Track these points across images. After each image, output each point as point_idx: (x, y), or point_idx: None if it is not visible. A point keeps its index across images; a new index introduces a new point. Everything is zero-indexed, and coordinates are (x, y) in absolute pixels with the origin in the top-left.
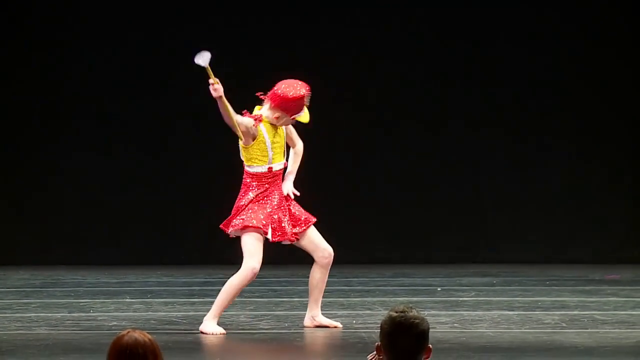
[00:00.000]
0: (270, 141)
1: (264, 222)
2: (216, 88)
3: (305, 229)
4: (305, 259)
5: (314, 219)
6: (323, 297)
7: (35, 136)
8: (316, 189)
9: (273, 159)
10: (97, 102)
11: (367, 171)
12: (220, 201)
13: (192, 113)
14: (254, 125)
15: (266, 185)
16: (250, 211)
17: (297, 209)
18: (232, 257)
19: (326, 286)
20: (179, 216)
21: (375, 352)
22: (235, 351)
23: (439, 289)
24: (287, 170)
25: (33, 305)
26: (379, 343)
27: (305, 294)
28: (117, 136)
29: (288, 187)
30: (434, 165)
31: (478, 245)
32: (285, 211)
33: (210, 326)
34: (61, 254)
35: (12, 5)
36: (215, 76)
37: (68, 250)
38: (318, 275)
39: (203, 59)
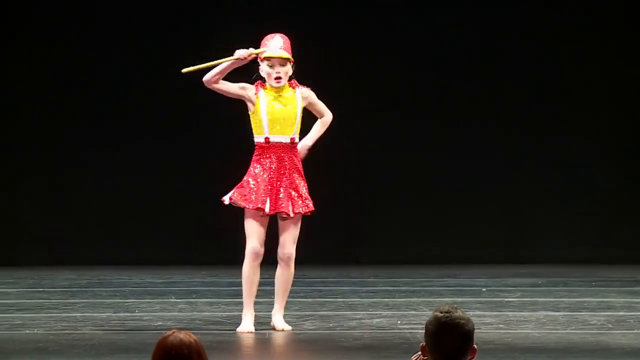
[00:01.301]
0: (266, 111)
1: (262, 197)
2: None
3: (284, 219)
4: (351, 260)
5: (302, 213)
6: (367, 296)
7: (78, 134)
8: (362, 188)
9: (270, 129)
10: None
11: (412, 171)
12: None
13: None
14: (254, 93)
15: (269, 158)
16: (248, 188)
17: (296, 193)
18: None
19: (371, 287)
20: (223, 215)
21: (420, 353)
22: (279, 351)
23: (484, 289)
24: (307, 135)
25: (79, 305)
26: (424, 343)
27: (350, 294)
28: (155, 132)
29: (300, 145)
30: (481, 165)
31: (523, 245)
32: (285, 186)
33: (241, 325)
34: (106, 254)
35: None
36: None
37: (113, 250)
38: (277, 273)
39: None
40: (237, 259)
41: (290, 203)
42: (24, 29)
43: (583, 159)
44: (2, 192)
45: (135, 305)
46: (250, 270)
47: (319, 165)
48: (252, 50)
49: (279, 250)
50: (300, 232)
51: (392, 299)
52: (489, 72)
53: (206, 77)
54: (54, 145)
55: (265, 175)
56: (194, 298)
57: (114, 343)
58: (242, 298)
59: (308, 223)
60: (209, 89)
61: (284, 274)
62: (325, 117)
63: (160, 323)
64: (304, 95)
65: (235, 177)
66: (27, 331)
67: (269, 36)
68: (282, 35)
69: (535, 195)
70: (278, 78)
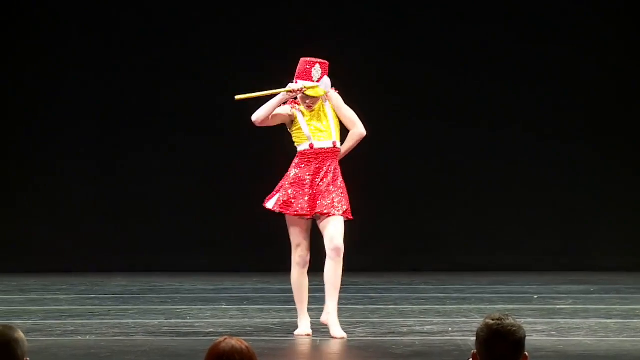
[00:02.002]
0: (306, 122)
1: (301, 203)
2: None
3: (326, 217)
4: (402, 267)
5: (342, 214)
6: (418, 303)
7: (125, 135)
8: (414, 195)
9: (314, 136)
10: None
11: (464, 178)
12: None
13: None
14: (290, 111)
15: (312, 163)
16: (285, 193)
17: (335, 196)
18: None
19: (422, 293)
20: (274, 222)
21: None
22: (331, 358)
23: (535, 296)
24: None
25: (131, 311)
26: (475, 351)
27: (401, 301)
28: (204, 139)
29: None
30: (534, 172)
31: (575, 252)
32: (327, 189)
33: (299, 329)
34: (156, 260)
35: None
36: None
37: (164, 256)
38: (326, 268)
39: (325, 84)
40: (287, 266)
41: (332, 203)
42: (36, 29)
43: (638, 166)
44: (56, 199)
45: (187, 311)
46: (299, 277)
47: (371, 173)
48: (303, 83)
49: (327, 245)
50: (351, 240)
51: (443, 306)
52: (538, 79)
53: (256, 118)
54: (103, 150)
55: (305, 178)
56: (245, 305)
57: (166, 349)
58: (294, 304)
59: (359, 230)
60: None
61: (335, 268)
62: (354, 130)
63: (211, 329)
64: (333, 100)
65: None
66: (80, 337)
67: (309, 62)
68: (322, 64)
69: (588, 202)
70: (309, 106)
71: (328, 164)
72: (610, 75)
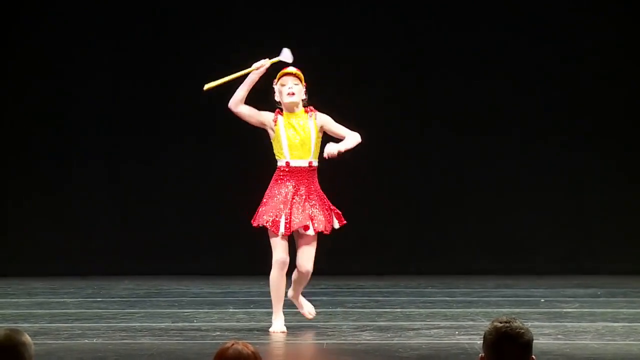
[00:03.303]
0: (285, 136)
1: (278, 219)
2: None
3: (299, 236)
4: (409, 270)
5: (315, 233)
6: (425, 307)
7: (135, 142)
8: (419, 199)
9: (290, 154)
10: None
11: (470, 182)
12: None
13: None
14: (271, 121)
15: (289, 180)
16: (266, 207)
17: (316, 212)
18: (336, 267)
19: (428, 297)
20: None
21: None
22: None
23: (542, 300)
24: (342, 142)
25: (137, 315)
26: (482, 354)
27: (408, 304)
28: (209, 142)
29: (332, 146)
30: (540, 176)
31: (582, 256)
32: (300, 207)
33: (273, 326)
34: (163, 263)
35: (25, 7)
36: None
37: (171, 260)
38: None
39: (285, 55)
40: (293, 270)
41: (310, 221)
42: (49, 36)
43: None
44: (64, 203)
45: (194, 315)
46: (278, 278)
47: (377, 177)
48: (267, 60)
49: (298, 267)
50: (357, 243)
51: (449, 310)
52: (540, 85)
53: (232, 102)
54: (111, 154)
55: (282, 196)
56: (252, 308)
57: (172, 353)
58: (296, 308)
59: (365, 234)
60: (233, 112)
61: (297, 284)
62: (353, 136)
63: (218, 333)
64: (319, 121)
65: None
66: (86, 341)
67: (284, 69)
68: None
69: (595, 206)
70: (291, 93)
71: (304, 182)
72: (615, 79)
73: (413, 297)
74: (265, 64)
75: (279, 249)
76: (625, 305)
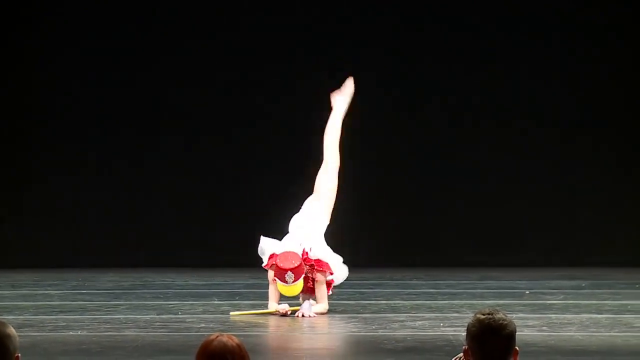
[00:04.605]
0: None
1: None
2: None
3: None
4: (394, 262)
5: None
6: (410, 299)
7: (123, 136)
8: (403, 191)
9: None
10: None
11: (452, 174)
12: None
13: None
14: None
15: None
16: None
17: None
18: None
19: (413, 289)
20: (265, 218)
21: (461, 355)
22: (322, 352)
23: (527, 292)
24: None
25: (122, 307)
26: (466, 346)
27: (393, 296)
28: (165, 134)
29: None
30: (524, 168)
31: (566, 248)
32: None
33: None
34: (147, 256)
35: (20, 7)
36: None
37: (156, 252)
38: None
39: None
40: None
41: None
42: (46, 35)
43: (627, 165)
44: (48, 196)
45: (179, 307)
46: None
47: (362, 170)
48: (287, 306)
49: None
50: (343, 236)
51: (434, 302)
52: (533, 78)
53: None
54: (96, 149)
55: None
56: (237, 300)
57: (157, 345)
58: (286, 300)
59: (352, 226)
60: None
61: None
62: (321, 305)
63: (203, 325)
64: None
65: (275, 183)
66: (71, 333)
67: (282, 269)
68: (294, 269)
69: (579, 198)
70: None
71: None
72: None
73: (398, 289)
74: (285, 310)
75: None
76: (610, 297)
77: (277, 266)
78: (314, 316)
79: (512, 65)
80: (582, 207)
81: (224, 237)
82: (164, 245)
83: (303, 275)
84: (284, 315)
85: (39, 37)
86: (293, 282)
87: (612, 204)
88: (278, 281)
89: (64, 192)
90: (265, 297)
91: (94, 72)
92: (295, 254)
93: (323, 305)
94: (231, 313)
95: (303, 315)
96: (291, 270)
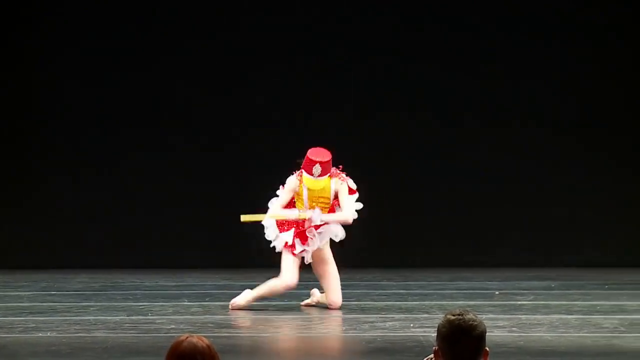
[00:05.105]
0: (307, 195)
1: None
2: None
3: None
4: (365, 263)
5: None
6: (380, 299)
7: (93, 135)
8: (379, 192)
9: (309, 206)
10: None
11: (427, 175)
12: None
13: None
14: (298, 184)
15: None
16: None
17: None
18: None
19: (384, 290)
20: (237, 220)
21: (432, 356)
22: (292, 353)
23: (497, 292)
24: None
25: (92, 308)
26: (436, 347)
27: (363, 297)
28: (167, 136)
29: (316, 214)
30: (492, 169)
31: (536, 248)
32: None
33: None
34: (118, 257)
35: (20, 7)
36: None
37: (125, 253)
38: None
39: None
40: (249, 263)
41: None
42: (43, 34)
43: (599, 166)
44: (19, 197)
45: (149, 308)
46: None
47: (360, 170)
48: (297, 212)
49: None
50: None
51: (404, 302)
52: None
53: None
54: (73, 148)
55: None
56: (207, 301)
57: (127, 346)
58: (258, 302)
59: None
60: None
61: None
62: (345, 214)
63: (173, 326)
64: (336, 186)
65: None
66: (41, 334)
67: (312, 161)
68: (322, 163)
69: (549, 200)
70: (318, 175)
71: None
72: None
73: (368, 290)
74: (296, 217)
75: (289, 272)
76: (579, 298)
77: (308, 157)
78: (322, 223)
79: (512, 65)
80: (552, 208)
81: (195, 238)
82: (134, 246)
83: (328, 175)
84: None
85: (39, 37)
86: (319, 176)
87: (581, 204)
88: (305, 174)
89: (64, 192)
90: (233, 298)
91: (94, 72)
92: (327, 151)
93: (346, 214)
94: (242, 216)
95: (312, 226)
96: (320, 163)
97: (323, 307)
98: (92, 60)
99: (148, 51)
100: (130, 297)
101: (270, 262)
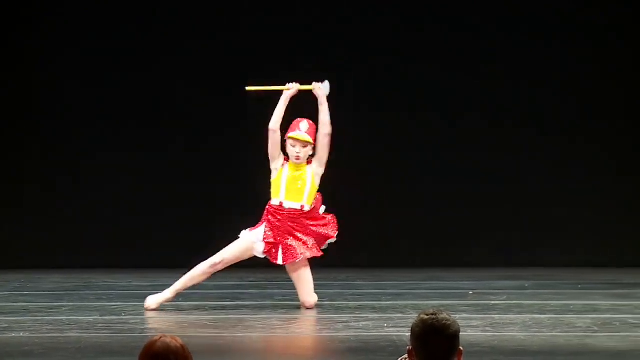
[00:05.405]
0: (285, 181)
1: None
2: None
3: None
4: (339, 263)
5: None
6: (354, 299)
7: (54, 134)
8: (349, 191)
9: (287, 195)
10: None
11: (400, 173)
12: (248, 205)
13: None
14: (282, 164)
15: (279, 219)
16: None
17: (297, 241)
18: (265, 260)
19: (358, 289)
20: (210, 219)
21: (406, 356)
22: (265, 354)
23: (470, 292)
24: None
25: (65, 308)
26: (410, 347)
27: (337, 296)
28: (137, 138)
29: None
30: (467, 167)
31: (510, 248)
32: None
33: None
34: (92, 257)
35: (20, 7)
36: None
37: (99, 253)
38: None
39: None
40: (249, 263)
41: (281, 253)
42: (45, 31)
43: (570, 164)
44: (18, 196)
45: (122, 308)
46: (203, 272)
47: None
48: (297, 85)
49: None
50: None
51: (378, 302)
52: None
53: (274, 121)
54: (50, 148)
55: (271, 233)
56: (180, 301)
57: (100, 346)
58: (229, 301)
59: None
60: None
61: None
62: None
63: (146, 326)
64: (314, 170)
65: (225, 184)
66: (13, 334)
67: (297, 120)
68: (308, 120)
69: (522, 199)
70: (297, 157)
71: (296, 223)
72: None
73: (342, 290)
74: (294, 87)
75: (224, 263)
76: (552, 298)
77: (294, 122)
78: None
79: (512, 65)
80: (525, 207)
81: (167, 238)
82: (108, 246)
83: (312, 138)
84: (293, 90)
85: (39, 37)
86: (306, 132)
87: (554, 203)
88: (290, 132)
89: (64, 192)
90: (208, 297)
91: (94, 72)
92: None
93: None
94: (247, 88)
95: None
96: (307, 121)
97: (296, 306)
98: (92, 60)
99: (148, 51)
100: (104, 297)
101: (266, 262)
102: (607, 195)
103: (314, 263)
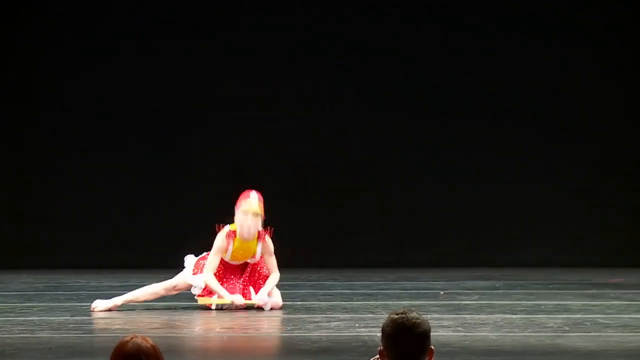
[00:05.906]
0: (230, 256)
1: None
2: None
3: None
4: (310, 263)
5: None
6: (325, 299)
7: (37, 136)
8: (321, 191)
9: (231, 259)
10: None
11: (371, 175)
12: (223, 207)
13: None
14: (226, 245)
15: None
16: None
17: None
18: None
19: (329, 290)
20: (182, 220)
21: (378, 356)
22: (236, 354)
23: (442, 292)
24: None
25: (36, 308)
26: (381, 347)
27: (308, 297)
28: (119, 135)
29: (260, 296)
30: (437, 168)
31: (481, 248)
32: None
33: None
34: (63, 257)
35: (20, 7)
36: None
37: (69, 254)
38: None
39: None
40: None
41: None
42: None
43: (544, 164)
44: (18, 196)
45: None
46: (156, 291)
47: (280, 170)
48: (242, 302)
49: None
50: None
51: (350, 302)
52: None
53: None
54: (21, 148)
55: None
56: (152, 301)
57: (72, 347)
58: (194, 301)
59: (265, 227)
60: None
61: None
62: (274, 275)
63: (117, 326)
64: (263, 248)
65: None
66: None
67: (245, 193)
68: (257, 192)
69: (494, 199)
70: (248, 231)
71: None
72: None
73: (314, 290)
74: (238, 302)
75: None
76: (523, 297)
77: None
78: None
79: (512, 65)
80: (496, 207)
81: (139, 238)
82: (79, 246)
83: (262, 219)
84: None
85: (39, 37)
86: (258, 205)
87: (525, 204)
88: (239, 233)
89: (64, 192)
90: (179, 297)
91: (93, 71)
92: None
93: (276, 275)
94: (199, 301)
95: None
96: (260, 196)
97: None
98: (92, 60)
99: (148, 51)
100: (75, 298)
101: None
102: (585, 196)
103: (284, 263)
